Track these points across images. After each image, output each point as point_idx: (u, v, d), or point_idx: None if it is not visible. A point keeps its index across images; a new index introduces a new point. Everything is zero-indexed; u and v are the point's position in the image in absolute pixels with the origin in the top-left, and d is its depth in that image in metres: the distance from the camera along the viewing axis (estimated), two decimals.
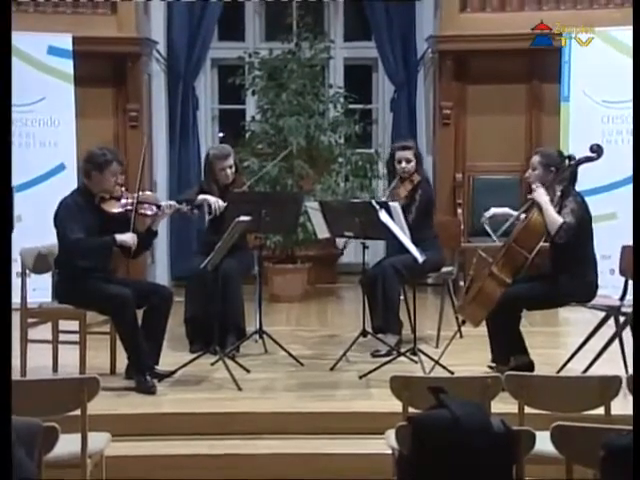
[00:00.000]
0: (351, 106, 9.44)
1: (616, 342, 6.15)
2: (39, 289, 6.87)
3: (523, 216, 6.04)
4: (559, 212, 5.86)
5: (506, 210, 6.22)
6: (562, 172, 5.97)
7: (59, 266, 6.25)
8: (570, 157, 6.11)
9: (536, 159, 6.06)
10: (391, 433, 4.14)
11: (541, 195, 5.87)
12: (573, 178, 6.05)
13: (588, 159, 6.04)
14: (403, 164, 6.96)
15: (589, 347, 6.26)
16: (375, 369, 6.26)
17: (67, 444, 4.18)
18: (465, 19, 9.14)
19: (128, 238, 6.06)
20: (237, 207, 6.49)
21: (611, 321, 6.24)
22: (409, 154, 6.98)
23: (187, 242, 9.24)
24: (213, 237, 6.57)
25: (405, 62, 9.69)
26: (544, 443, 3.87)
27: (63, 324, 6.50)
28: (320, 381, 6.27)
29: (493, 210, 6.24)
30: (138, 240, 6.16)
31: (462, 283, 7.49)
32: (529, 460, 3.89)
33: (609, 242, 7.20)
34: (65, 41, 8.49)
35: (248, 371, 6.38)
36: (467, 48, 9.08)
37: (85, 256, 6.08)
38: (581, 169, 6.07)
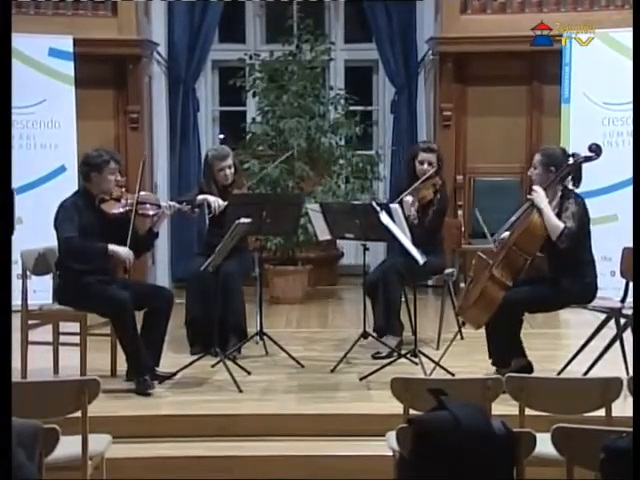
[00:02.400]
0: (352, 108, 9.45)
1: (617, 344, 6.15)
2: (40, 291, 6.87)
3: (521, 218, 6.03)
4: (559, 214, 5.85)
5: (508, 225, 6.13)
6: (561, 172, 5.96)
7: (59, 268, 6.25)
8: (574, 155, 6.09)
9: (537, 158, 6.04)
10: (392, 435, 4.15)
11: (540, 197, 5.85)
12: (578, 179, 6.04)
13: (587, 159, 6.03)
14: (425, 166, 6.90)
15: (590, 349, 6.25)
16: (376, 371, 6.25)
17: (68, 446, 4.17)
18: (466, 21, 9.14)
19: (122, 250, 6.05)
20: (237, 209, 6.49)
21: (612, 323, 6.23)
22: (432, 157, 6.92)
23: (188, 244, 9.24)
24: (214, 239, 6.58)
25: (406, 64, 9.69)
26: (545, 445, 3.87)
27: (64, 326, 6.51)
28: (321, 383, 6.27)
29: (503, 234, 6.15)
30: (139, 241, 6.17)
31: (462, 285, 7.50)
32: (530, 462, 3.89)
33: (610, 244, 7.21)
34: (66, 43, 8.50)
35: (249, 373, 6.37)
36: (468, 50, 9.09)
37: (76, 256, 6.08)
38: (582, 170, 6.07)
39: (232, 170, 7.06)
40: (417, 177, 6.90)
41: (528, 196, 6.00)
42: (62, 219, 6.08)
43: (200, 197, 6.89)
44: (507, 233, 6.02)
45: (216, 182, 7.03)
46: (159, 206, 6.32)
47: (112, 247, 6.04)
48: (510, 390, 4.39)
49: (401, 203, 6.65)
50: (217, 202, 6.82)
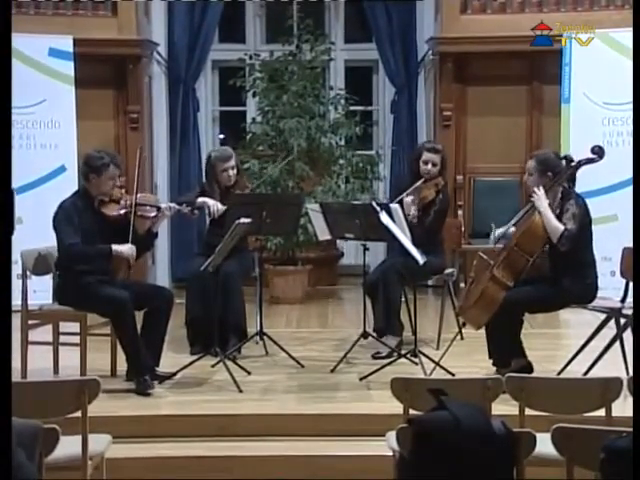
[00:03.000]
0: (352, 108, 9.45)
1: (617, 344, 6.15)
2: (40, 291, 6.88)
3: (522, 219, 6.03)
4: (560, 215, 5.84)
5: (509, 226, 6.14)
6: (562, 175, 5.94)
7: (59, 268, 6.25)
8: (566, 157, 6.08)
9: (531, 164, 6.01)
10: (392, 435, 4.15)
11: (541, 200, 5.84)
12: (572, 179, 6.03)
13: (589, 161, 6.02)
14: (429, 166, 6.92)
15: (590, 349, 6.25)
16: (376, 371, 6.25)
17: (68, 446, 4.17)
18: (466, 21, 9.14)
19: (125, 249, 6.06)
20: (238, 209, 6.49)
21: (612, 323, 6.23)
22: (437, 158, 6.94)
23: (188, 244, 9.24)
24: (214, 239, 6.58)
25: (406, 64, 9.69)
26: (545, 445, 3.87)
27: (64, 326, 6.51)
28: (321, 383, 6.27)
29: (498, 231, 6.15)
30: (138, 241, 6.17)
31: (462, 285, 7.50)
32: (530, 462, 3.89)
33: (610, 244, 7.20)
34: (66, 43, 8.50)
35: (249, 373, 6.37)
36: (468, 50, 9.09)
37: (80, 261, 6.09)
38: (582, 171, 6.06)
39: (235, 171, 7.05)
40: (420, 177, 6.92)
41: (530, 199, 5.97)
42: (62, 223, 6.07)
43: (199, 200, 6.88)
44: (512, 228, 6.00)
45: (219, 183, 7.03)
46: (158, 208, 6.31)
47: (115, 247, 6.05)
48: (510, 390, 4.39)
49: (402, 202, 6.66)
50: (216, 206, 6.81)
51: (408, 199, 6.76)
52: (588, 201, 6.05)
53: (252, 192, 7.49)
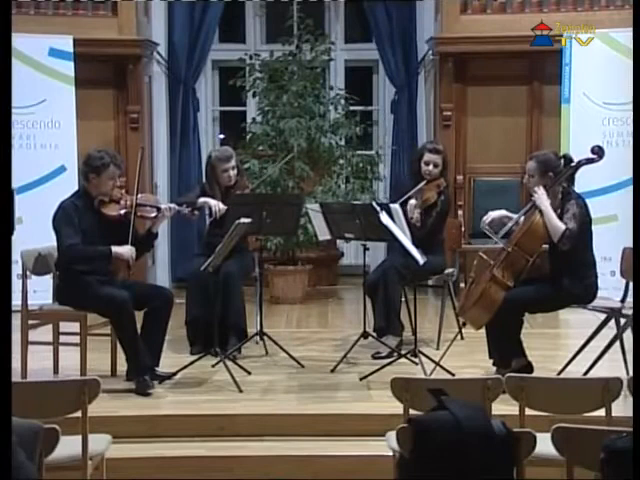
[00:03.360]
0: (352, 108, 9.46)
1: (617, 344, 6.15)
2: (40, 291, 6.88)
3: (522, 219, 6.03)
4: (561, 215, 5.84)
5: (503, 212, 6.17)
6: (562, 175, 5.94)
7: (59, 268, 6.25)
8: (565, 157, 6.08)
9: (532, 165, 5.99)
10: (392, 435, 4.15)
11: (542, 199, 5.84)
12: (571, 179, 6.03)
13: (589, 161, 6.02)
14: (430, 167, 6.92)
15: (590, 349, 6.25)
16: (376, 371, 6.26)
17: (68, 446, 4.18)
18: (466, 21, 9.14)
19: (125, 251, 6.07)
20: (238, 209, 6.49)
21: (612, 323, 6.23)
22: (438, 158, 6.94)
23: (188, 244, 9.24)
24: (214, 239, 6.58)
25: (406, 64, 9.69)
26: (545, 445, 3.87)
27: (64, 326, 6.51)
28: (321, 383, 6.27)
29: (491, 215, 6.18)
30: (138, 242, 6.17)
31: (462, 285, 7.50)
32: (530, 462, 3.89)
33: (610, 244, 7.21)
34: (66, 43, 8.49)
35: (249, 373, 6.38)
36: (468, 50, 9.09)
37: (80, 262, 6.09)
38: (582, 171, 6.06)
39: (235, 171, 7.05)
40: (422, 178, 6.91)
41: (531, 198, 5.97)
42: (62, 223, 6.07)
43: (201, 200, 6.88)
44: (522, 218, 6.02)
45: (219, 183, 7.03)
46: (158, 208, 6.31)
47: (115, 249, 6.05)
48: (510, 390, 4.39)
49: (405, 205, 6.66)
50: (218, 206, 6.81)
51: (411, 202, 6.76)
52: (588, 201, 6.05)
53: (252, 192, 7.50)
